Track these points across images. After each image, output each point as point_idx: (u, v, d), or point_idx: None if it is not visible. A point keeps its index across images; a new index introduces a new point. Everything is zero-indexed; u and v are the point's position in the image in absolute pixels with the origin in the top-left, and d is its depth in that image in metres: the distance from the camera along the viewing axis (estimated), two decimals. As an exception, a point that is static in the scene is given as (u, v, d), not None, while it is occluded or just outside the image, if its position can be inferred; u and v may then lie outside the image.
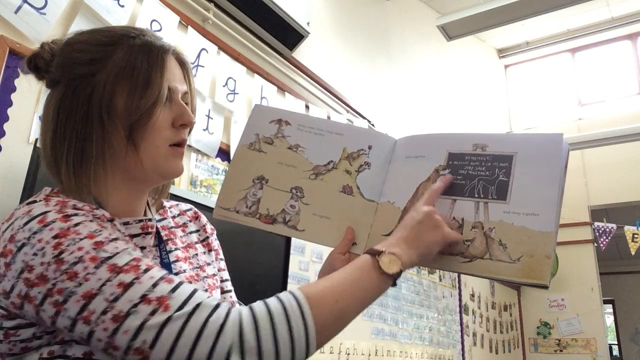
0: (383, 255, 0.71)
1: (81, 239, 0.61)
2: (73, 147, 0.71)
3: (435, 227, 0.76)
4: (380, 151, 0.89)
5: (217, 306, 0.60)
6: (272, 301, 0.63)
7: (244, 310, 0.61)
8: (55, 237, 0.61)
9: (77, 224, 0.63)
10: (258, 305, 0.62)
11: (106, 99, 0.71)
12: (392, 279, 0.71)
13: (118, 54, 0.73)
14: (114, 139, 0.72)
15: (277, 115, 0.94)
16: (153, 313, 0.58)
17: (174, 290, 0.60)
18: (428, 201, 0.79)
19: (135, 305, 0.58)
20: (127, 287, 0.59)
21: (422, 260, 0.75)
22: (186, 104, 0.78)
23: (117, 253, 0.61)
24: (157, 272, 0.62)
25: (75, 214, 0.64)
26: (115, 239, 0.63)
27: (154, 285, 0.60)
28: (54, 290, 0.59)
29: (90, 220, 0.64)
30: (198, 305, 0.59)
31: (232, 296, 0.91)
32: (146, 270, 0.61)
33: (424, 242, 0.75)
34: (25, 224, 0.62)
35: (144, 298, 0.58)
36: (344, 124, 0.98)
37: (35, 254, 0.60)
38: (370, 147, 0.89)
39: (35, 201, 0.66)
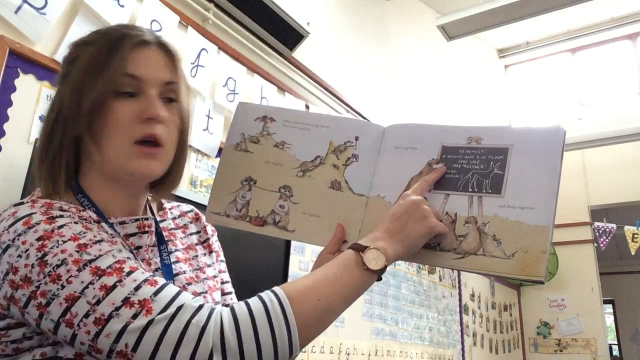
0: (368, 250, 0.69)
1: (65, 242, 0.61)
2: (50, 148, 0.71)
3: (422, 218, 0.73)
4: (368, 141, 0.86)
5: (199, 307, 0.59)
6: (253, 301, 0.62)
7: (225, 311, 0.60)
8: (39, 239, 0.60)
9: (61, 226, 0.62)
10: (239, 306, 0.61)
11: (74, 97, 0.70)
12: (377, 275, 0.69)
13: (88, 50, 0.72)
14: (85, 138, 0.71)
15: (261, 112, 0.91)
16: (135, 316, 0.57)
17: (156, 293, 0.59)
18: (417, 191, 0.76)
19: (118, 308, 0.57)
20: (109, 290, 0.58)
21: (408, 252, 0.73)
22: (173, 94, 0.74)
23: (101, 255, 0.61)
24: (141, 274, 0.61)
25: (61, 216, 0.64)
26: (100, 241, 0.63)
27: (137, 288, 0.59)
28: (38, 293, 0.59)
29: (75, 222, 0.64)
30: (180, 307, 0.59)
31: (233, 298, 0.90)
32: (129, 273, 0.60)
33: (410, 234, 0.72)
34: (11, 225, 0.62)
35: (126, 301, 0.58)
36: (330, 116, 0.94)
37: (19, 256, 0.60)
38: (357, 138, 0.86)
39: (22, 203, 0.66)
